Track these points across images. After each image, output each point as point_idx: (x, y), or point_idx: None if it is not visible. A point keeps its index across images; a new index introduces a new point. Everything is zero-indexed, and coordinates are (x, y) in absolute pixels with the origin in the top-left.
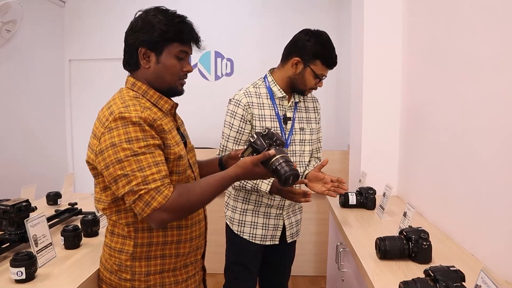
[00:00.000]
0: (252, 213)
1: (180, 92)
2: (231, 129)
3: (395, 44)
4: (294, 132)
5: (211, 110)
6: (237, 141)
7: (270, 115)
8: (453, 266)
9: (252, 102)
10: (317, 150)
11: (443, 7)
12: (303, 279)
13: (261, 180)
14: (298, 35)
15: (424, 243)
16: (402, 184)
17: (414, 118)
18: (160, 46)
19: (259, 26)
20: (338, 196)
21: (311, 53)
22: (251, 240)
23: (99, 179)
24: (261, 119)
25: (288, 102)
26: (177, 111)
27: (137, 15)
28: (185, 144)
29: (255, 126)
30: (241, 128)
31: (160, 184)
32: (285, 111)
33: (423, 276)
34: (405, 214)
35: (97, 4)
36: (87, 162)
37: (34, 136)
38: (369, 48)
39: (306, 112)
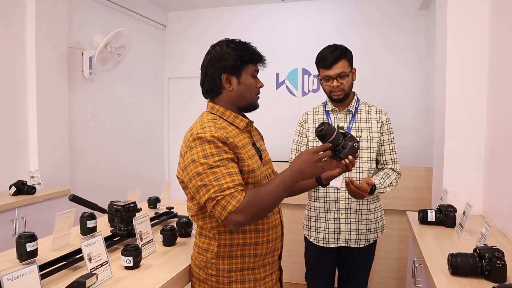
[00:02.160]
0: (315, 219)
1: (257, 106)
2: (293, 143)
3: (480, 59)
4: None
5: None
6: (296, 152)
7: None
8: None
9: (307, 119)
10: (392, 161)
11: None
12: None
13: None
14: None
15: (498, 262)
16: (487, 203)
17: (500, 135)
18: (239, 69)
19: (343, 42)
20: (417, 212)
21: (316, 64)
22: (315, 243)
23: (186, 191)
24: (314, 131)
25: (342, 113)
26: (265, 126)
27: (211, 49)
28: (261, 157)
29: (309, 137)
30: (299, 141)
31: (234, 190)
32: (338, 122)
33: None
34: (481, 233)
35: (192, 27)
36: (177, 177)
37: (138, 146)
38: (453, 63)
39: (367, 122)
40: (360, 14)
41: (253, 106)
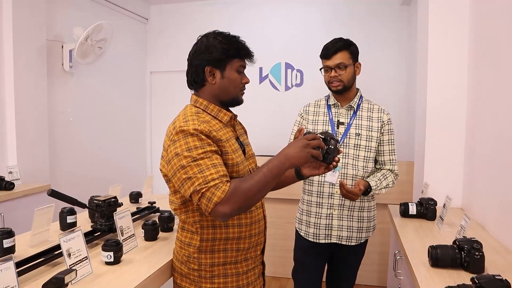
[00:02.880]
0: (307, 213)
1: (241, 102)
2: (292, 134)
3: (460, 55)
4: (348, 136)
5: (281, 119)
6: None
7: (324, 120)
8: (499, 276)
9: (308, 110)
10: (390, 162)
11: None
12: None
13: None
14: None
15: (477, 253)
16: (466, 196)
17: (480, 130)
18: (223, 62)
19: (328, 37)
20: (398, 205)
21: (320, 57)
22: (305, 237)
23: (170, 184)
24: (314, 123)
25: (343, 108)
26: (248, 120)
27: (198, 40)
28: (244, 151)
29: (308, 129)
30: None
31: (219, 181)
32: (338, 117)
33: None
34: (461, 225)
35: (175, 20)
36: (160, 170)
37: (120, 140)
38: (433, 59)
39: (367, 120)
40: (344, 9)
41: (237, 102)
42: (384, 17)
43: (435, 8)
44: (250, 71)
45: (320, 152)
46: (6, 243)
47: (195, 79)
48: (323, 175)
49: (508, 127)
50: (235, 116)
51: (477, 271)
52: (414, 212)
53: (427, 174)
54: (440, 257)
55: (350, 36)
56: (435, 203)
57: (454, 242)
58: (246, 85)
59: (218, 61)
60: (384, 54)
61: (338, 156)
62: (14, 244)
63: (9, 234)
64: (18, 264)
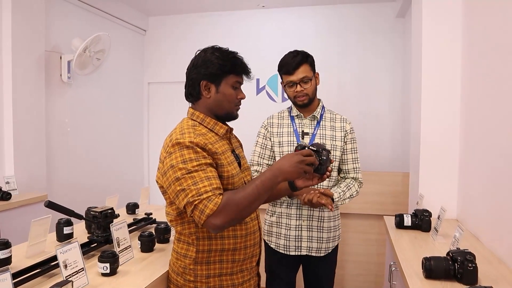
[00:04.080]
0: (277, 225)
1: (236, 117)
2: (257, 145)
3: (454, 67)
4: None
5: None
6: (261, 155)
7: (288, 132)
8: (491, 287)
9: (273, 123)
10: (354, 171)
11: (504, 24)
12: None
13: None
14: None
15: (470, 264)
16: (461, 207)
17: (474, 141)
18: (219, 78)
19: (323, 49)
20: (394, 217)
21: (279, 71)
22: (276, 249)
23: (166, 196)
24: (279, 135)
25: (307, 119)
26: (245, 131)
27: (197, 54)
28: (240, 164)
29: (273, 142)
30: (264, 144)
31: (211, 194)
32: (302, 127)
33: None
34: (455, 236)
35: (173, 32)
36: (157, 181)
37: (117, 151)
38: (427, 71)
39: (331, 130)
40: (339, 21)
41: (231, 116)
42: (379, 29)
43: (429, 21)
44: (248, 82)
45: (312, 168)
46: (3, 254)
47: (191, 92)
48: None
49: (500, 139)
50: (231, 129)
51: (470, 283)
52: (409, 224)
53: (422, 186)
54: (434, 269)
55: (345, 48)
56: (430, 214)
57: (448, 254)
58: (243, 100)
59: (213, 76)
60: (380, 66)
61: (330, 166)
62: (11, 255)
63: (6, 245)
64: (14, 275)
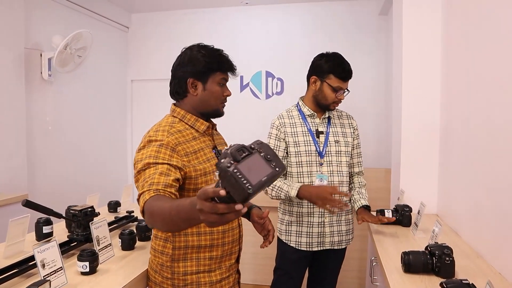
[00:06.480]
0: (297, 224)
1: (221, 114)
2: (274, 149)
3: (433, 64)
4: (329, 144)
5: (262, 128)
6: None
7: (302, 131)
8: (466, 280)
9: (285, 123)
10: (358, 165)
11: (482, 22)
12: None
13: (291, 187)
14: (314, 59)
15: (447, 258)
16: (441, 203)
17: (453, 138)
18: (205, 75)
19: (309, 46)
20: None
21: (324, 69)
22: (296, 247)
23: None
24: (294, 135)
25: (320, 119)
26: (229, 128)
27: (182, 52)
28: None
29: (288, 142)
30: (276, 145)
31: (146, 190)
32: (317, 126)
33: None
34: (433, 231)
35: (156, 29)
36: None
37: (100, 149)
38: (408, 68)
39: (341, 127)
40: (324, 18)
41: (217, 114)
42: (363, 27)
43: (409, 19)
44: (231, 79)
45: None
46: None
47: (178, 90)
48: (311, 182)
49: (478, 136)
50: (214, 125)
51: (447, 276)
52: None
53: (403, 181)
54: (412, 263)
55: (331, 46)
56: (410, 209)
57: (426, 248)
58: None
59: (200, 74)
60: (365, 63)
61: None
62: None
63: None
64: None
